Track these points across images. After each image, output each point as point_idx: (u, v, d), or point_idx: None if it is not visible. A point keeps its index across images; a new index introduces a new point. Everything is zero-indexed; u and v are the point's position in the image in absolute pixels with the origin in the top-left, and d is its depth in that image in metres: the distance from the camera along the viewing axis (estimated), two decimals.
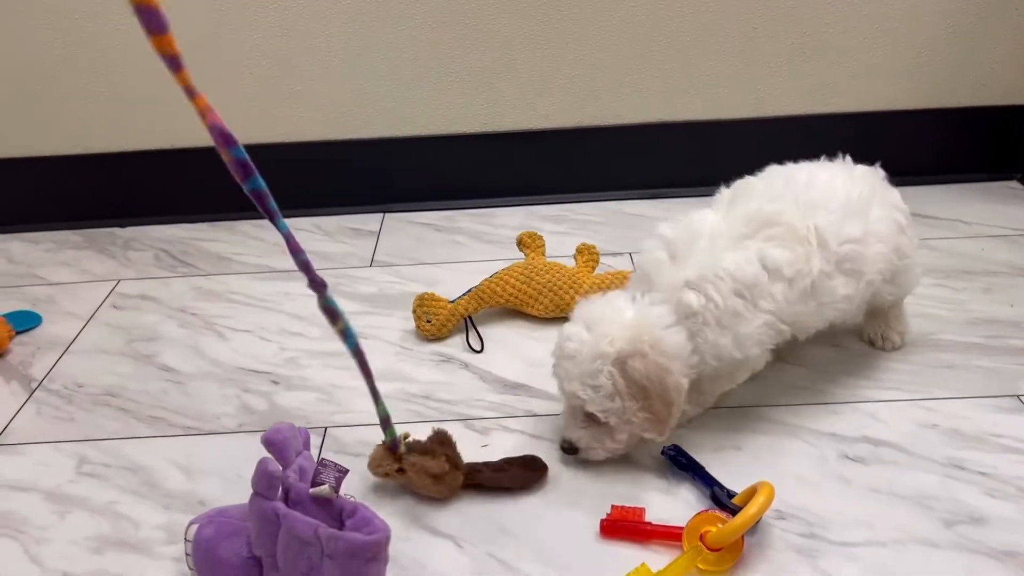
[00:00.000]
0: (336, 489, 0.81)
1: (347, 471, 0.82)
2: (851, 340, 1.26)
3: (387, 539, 0.77)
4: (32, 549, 0.98)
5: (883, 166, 1.72)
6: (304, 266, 0.82)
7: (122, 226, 1.73)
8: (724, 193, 1.13)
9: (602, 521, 0.95)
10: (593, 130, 1.69)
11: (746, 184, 1.13)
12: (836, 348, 1.24)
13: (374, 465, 1.00)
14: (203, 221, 1.74)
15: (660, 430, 0.99)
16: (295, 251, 0.82)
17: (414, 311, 1.31)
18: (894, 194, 1.16)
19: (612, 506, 0.97)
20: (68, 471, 1.09)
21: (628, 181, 1.74)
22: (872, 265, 1.08)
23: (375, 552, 0.76)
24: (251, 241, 1.65)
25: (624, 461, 1.05)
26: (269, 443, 0.84)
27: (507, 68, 1.64)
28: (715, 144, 1.71)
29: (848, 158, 1.17)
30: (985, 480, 0.99)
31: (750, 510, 0.88)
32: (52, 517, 1.02)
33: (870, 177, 1.15)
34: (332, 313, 0.85)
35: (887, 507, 0.96)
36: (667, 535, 0.93)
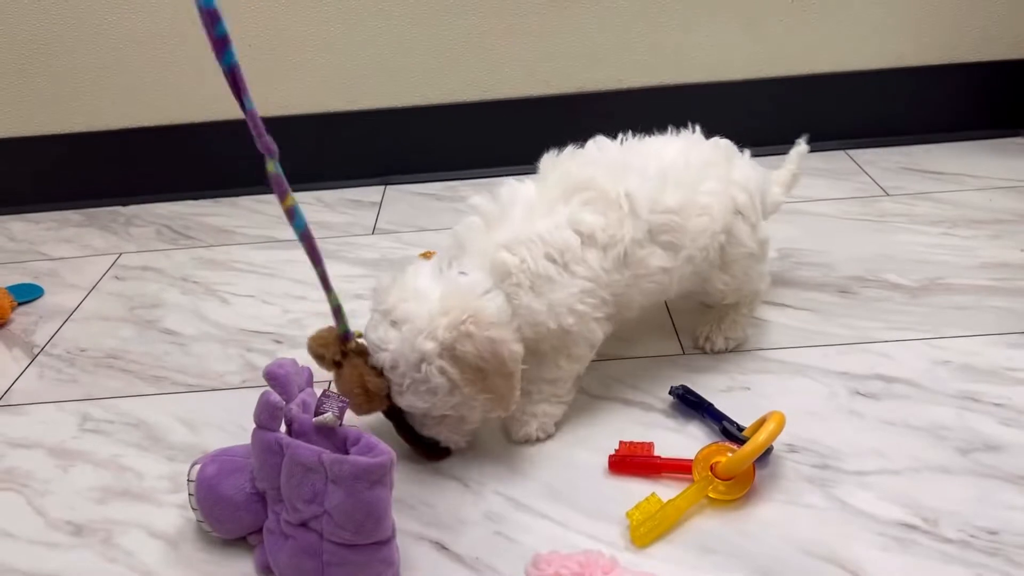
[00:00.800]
0: (340, 418, 0.80)
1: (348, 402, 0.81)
2: (860, 286, 1.24)
3: (392, 462, 0.75)
4: (36, 501, 0.96)
5: (886, 124, 1.74)
6: (253, 120, 0.77)
7: (124, 204, 1.73)
8: (545, 160, 1.03)
9: (610, 457, 0.94)
10: (595, 95, 1.68)
11: (568, 152, 1.03)
12: (844, 294, 1.23)
13: (318, 343, 0.91)
14: (206, 198, 1.73)
15: (506, 406, 0.89)
16: (252, 117, 0.77)
17: None
18: (744, 173, 1.04)
19: (620, 442, 0.95)
20: (71, 428, 1.08)
21: None
22: (693, 240, 0.97)
23: (380, 475, 0.74)
24: (253, 215, 1.64)
25: (631, 402, 1.04)
26: (271, 376, 0.83)
27: (506, 33, 1.63)
28: (719, 106, 1.70)
29: (698, 129, 1.08)
30: (999, 410, 0.97)
31: (760, 437, 0.87)
32: (56, 471, 1.01)
33: (715, 150, 1.04)
34: (281, 185, 0.78)
35: (900, 438, 0.95)
36: (677, 468, 0.91)
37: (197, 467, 0.87)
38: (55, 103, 1.67)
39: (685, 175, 0.99)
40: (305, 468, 0.77)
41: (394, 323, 0.88)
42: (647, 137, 1.07)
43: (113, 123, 1.69)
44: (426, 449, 0.96)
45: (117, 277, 1.45)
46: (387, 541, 0.78)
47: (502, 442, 0.99)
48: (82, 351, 1.24)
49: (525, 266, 0.90)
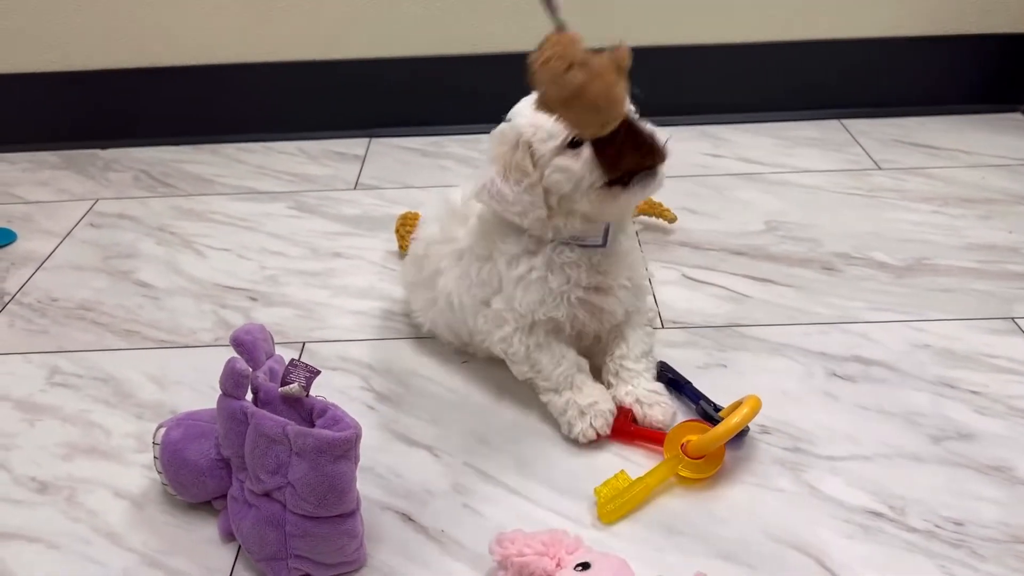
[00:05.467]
0: (306, 389, 0.78)
1: (318, 372, 0.79)
2: (845, 263, 1.23)
3: (357, 436, 0.74)
4: (1, 456, 0.95)
5: (881, 94, 1.71)
6: None
7: (103, 148, 1.69)
8: None
9: None
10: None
11: None
12: (828, 271, 1.21)
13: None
14: (187, 144, 1.69)
15: None
16: None
17: (396, 230, 1.28)
18: None
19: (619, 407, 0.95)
20: (39, 381, 1.07)
21: None
22: None
23: (344, 449, 0.73)
24: (234, 164, 1.60)
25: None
26: (238, 343, 0.82)
27: None
28: (706, 70, 1.66)
29: None
30: (975, 398, 0.97)
31: (733, 419, 0.86)
32: (21, 425, 1.00)
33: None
34: None
35: (874, 423, 0.94)
36: (650, 437, 0.91)
37: (163, 430, 0.86)
38: (33, 41, 1.62)
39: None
40: (269, 439, 0.76)
41: None
42: None
43: (94, 63, 1.64)
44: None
45: (92, 224, 1.43)
46: (351, 514, 0.77)
47: (472, 411, 0.98)
48: (53, 301, 1.22)
49: None
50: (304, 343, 1.11)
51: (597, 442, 0.92)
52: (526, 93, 1.82)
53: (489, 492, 0.88)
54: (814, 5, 1.61)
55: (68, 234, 1.39)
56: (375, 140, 1.68)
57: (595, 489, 0.86)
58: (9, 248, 1.36)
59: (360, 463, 0.84)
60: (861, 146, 1.58)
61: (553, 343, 0.95)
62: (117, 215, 1.45)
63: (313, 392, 0.79)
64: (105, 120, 1.69)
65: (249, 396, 0.81)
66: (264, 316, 1.17)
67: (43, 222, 1.44)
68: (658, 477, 0.86)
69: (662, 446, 0.89)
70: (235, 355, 0.81)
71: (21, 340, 1.14)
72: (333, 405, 0.78)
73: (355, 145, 1.67)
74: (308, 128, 1.70)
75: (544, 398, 0.96)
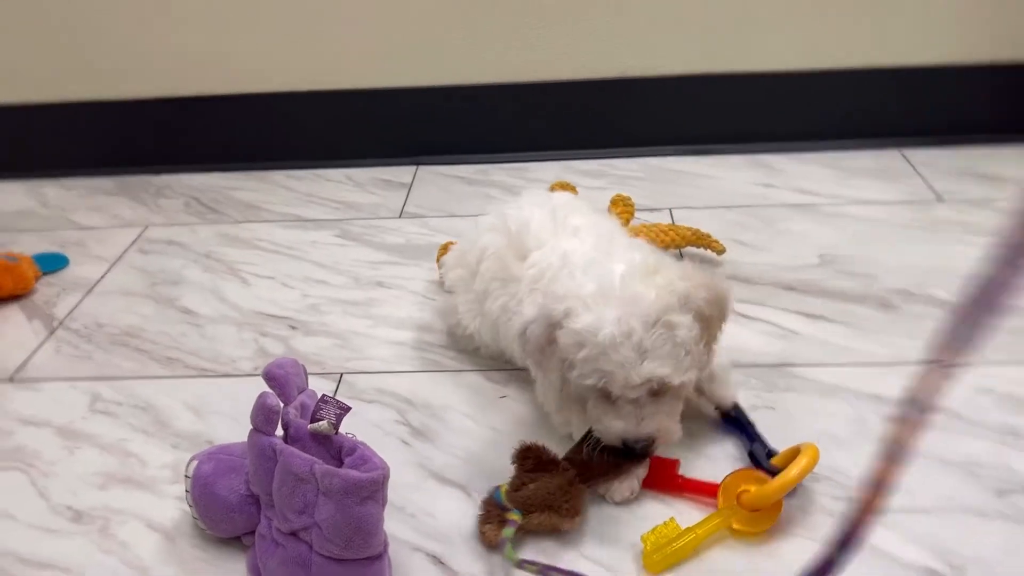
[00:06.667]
0: (336, 426, 0.77)
1: (349, 408, 0.78)
2: (903, 300, 1.17)
3: (384, 478, 0.72)
4: (40, 482, 0.96)
5: (944, 123, 1.64)
6: None
7: (157, 173, 1.72)
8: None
9: None
10: (634, 81, 1.61)
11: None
12: (885, 308, 1.16)
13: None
14: (238, 170, 1.71)
15: (714, 348, 0.90)
16: None
17: (438, 260, 1.27)
18: None
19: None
20: (81, 408, 1.07)
21: (670, 135, 1.66)
22: None
23: (372, 491, 0.71)
24: (282, 190, 1.61)
25: None
26: (270, 377, 0.81)
27: (542, 15, 1.57)
28: (759, 98, 1.62)
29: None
30: None
31: (791, 472, 0.82)
32: (62, 452, 1.00)
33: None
34: None
35: (932, 473, 0.89)
36: (700, 490, 0.87)
37: (195, 463, 0.85)
38: (94, 70, 1.66)
39: None
40: (297, 478, 0.74)
41: (614, 302, 0.83)
42: None
43: (148, 91, 1.67)
44: (635, 457, 0.88)
45: (142, 250, 1.44)
46: (378, 557, 0.75)
47: (510, 449, 0.96)
48: (100, 326, 1.24)
49: None
50: (342, 374, 1.10)
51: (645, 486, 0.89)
52: (574, 119, 1.80)
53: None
54: (873, 31, 1.57)
55: (118, 260, 1.42)
56: (422, 168, 1.68)
57: (642, 536, 0.82)
58: (61, 273, 1.38)
59: (392, 502, 0.83)
60: (922, 177, 1.52)
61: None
62: (166, 241, 1.47)
63: (348, 425, 0.78)
64: (159, 147, 1.73)
65: (280, 432, 0.80)
66: (303, 345, 1.16)
67: (94, 248, 1.46)
68: (709, 528, 0.82)
69: (713, 497, 0.86)
70: (267, 389, 0.80)
71: (67, 366, 1.16)
72: (363, 444, 0.76)
73: (402, 173, 1.67)
74: (356, 155, 1.71)
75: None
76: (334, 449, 0.77)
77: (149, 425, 1.04)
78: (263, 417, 0.78)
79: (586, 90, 1.63)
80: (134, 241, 1.47)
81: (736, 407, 0.97)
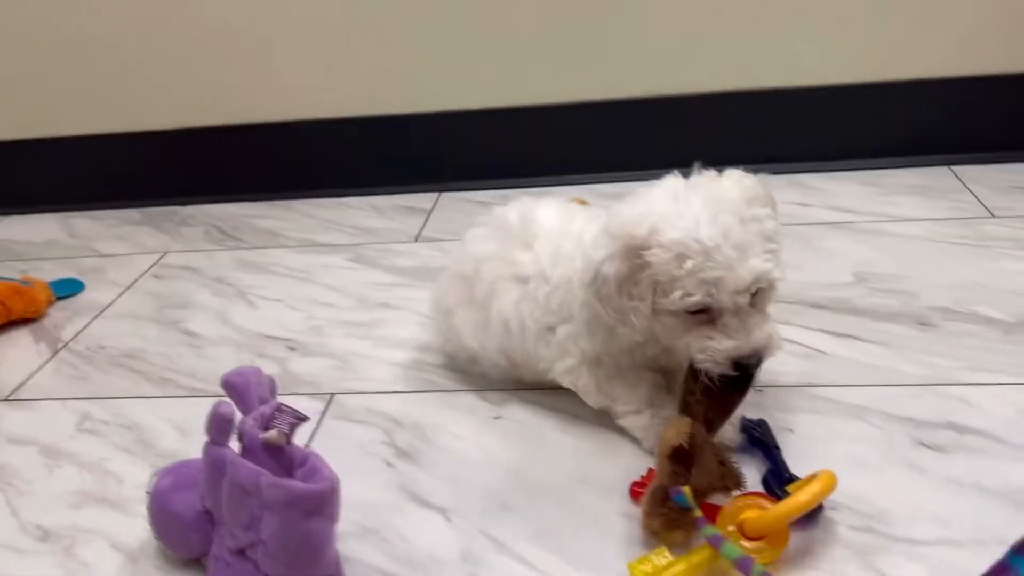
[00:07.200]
0: (289, 436, 0.71)
1: (306, 418, 0.73)
2: (944, 317, 1.07)
3: (331, 491, 0.66)
4: (15, 501, 0.93)
5: (997, 138, 1.53)
6: None
7: (183, 204, 1.72)
8: None
9: (633, 484, 0.83)
10: (660, 100, 1.56)
11: None
12: (923, 326, 1.06)
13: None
14: (262, 200, 1.70)
15: None
16: None
17: None
18: None
19: (649, 468, 0.84)
20: (69, 427, 1.05)
21: (697, 157, 1.58)
22: None
23: (317, 504, 0.66)
24: (303, 218, 1.59)
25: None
26: (229, 385, 0.76)
27: (567, 35, 1.53)
28: (789, 116, 1.54)
29: None
30: None
31: (799, 497, 0.73)
32: (42, 471, 0.98)
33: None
34: None
35: (968, 501, 0.78)
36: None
37: (155, 479, 0.81)
38: (124, 103, 1.69)
39: None
40: (244, 491, 0.69)
41: (702, 201, 0.79)
42: None
43: (174, 123, 1.69)
44: (744, 381, 0.81)
45: (156, 276, 1.44)
46: None
47: (500, 473, 0.89)
48: (102, 348, 1.22)
49: None
50: (332, 394, 1.05)
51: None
52: (599, 142, 1.74)
53: (500, 563, 0.77)
54: (918, 42, 1.48)
55: (131, 285, 1.41)
56: (444, 194, 1.65)
57: (629, 565, 0.74)
58: (75, 298, 1.38)
59: (363, 523, 0.77)
60: (972, 193, 1.41)
61: (626, 370, 0.89)
62: (181, 267, 1.46)
63: (330, 447, 0.72)
64: (185, 178, 1.73)
65: (237, 445, 0.75)
66: (299, 366, 1.12)
67: (112, 273, 1.46)
68: (705, 556, 0.73)
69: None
70: (224, 398, 0.75)
71: (62, 386, 1.14)
72: (315, 454, 0.70)
73: (424, 199, 1.63)
74: (380, 183, 1.68)
75: (623, 422, 0.91)
76: (287, 461, 0.71)
77: (132, 444, 1.00)
78: (216, 427, 0.73)
79: (611, 111, 1.57)
80: (151, 267, 1.47)
81: (764, 426, 0.89)
